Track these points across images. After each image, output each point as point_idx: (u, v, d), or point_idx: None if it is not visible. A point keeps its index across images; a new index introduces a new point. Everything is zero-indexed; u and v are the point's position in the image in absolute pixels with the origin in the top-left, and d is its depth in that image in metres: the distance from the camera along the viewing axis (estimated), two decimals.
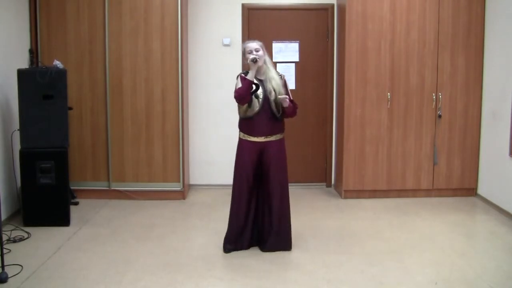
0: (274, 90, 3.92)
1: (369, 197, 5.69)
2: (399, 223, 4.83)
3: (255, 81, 3.90)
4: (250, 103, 3.90)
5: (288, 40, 6.08)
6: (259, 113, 3.93)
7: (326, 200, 5.70)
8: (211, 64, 6.01)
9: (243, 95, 3.84)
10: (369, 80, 5.53)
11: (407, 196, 5.72)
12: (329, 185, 6.25)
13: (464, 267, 3.76)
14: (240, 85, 3.88)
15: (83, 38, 5.44)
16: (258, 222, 4.13)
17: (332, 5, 6.02)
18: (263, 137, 3.97)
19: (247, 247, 4.10)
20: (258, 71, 3.93)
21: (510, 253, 4.06)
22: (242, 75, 3.95)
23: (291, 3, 6.03)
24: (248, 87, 3.84)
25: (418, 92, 5.57)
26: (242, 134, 4.05)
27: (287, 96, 3.90)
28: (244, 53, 3.98)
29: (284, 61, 6.09)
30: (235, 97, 3.87)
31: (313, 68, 6.13)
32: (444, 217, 5.01)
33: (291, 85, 6.08)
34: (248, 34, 5.94)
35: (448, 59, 5.55)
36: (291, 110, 4.00)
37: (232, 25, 6.00)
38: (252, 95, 3.88)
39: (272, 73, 3.98)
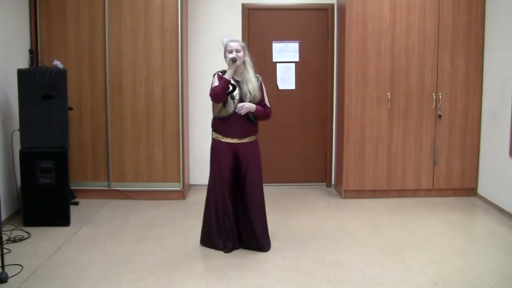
0: (250, 93, 3.92)
1: (369, 197, 5.68)
2: (399, 223, 4.83)
3: (232, 82, 3.90)
4: (225, 104, 3.90)
5: (288, 40, 6.08)
6: (234, 114, 3.91)
7: (326, 200, 5.70)
8: (211, 64, 5.99)
9: (219, 94, 3.83)
10: (369, 80, 5.53)
11: (407, 196, 5.72)
12: (329, 185, 6.25)
13: (464, 267, 3.76)
14: (216, 83, 3.88)
15: (83, 38, 5.44)
16: (237, 223, 4.09)
17: (332, 5, 6.01)
18: (237, 139, 3.96)
19: (230, 249, 4.05)
20: (236, 71, 3.92)
21: (510, 253, 4.06)
22: (219, 73, 3.94)
23: (291, 3, 6.03)
24: (225, 86, 3.84)
25: (418, 92, 5.57)
26: (215, 134, 4.03)
27: (243, 107, 3.85)
28: (225, 52, 3.96)
29: (284, 61, 6.09)
30: (211, 95, 3.85)
31: (313, 68, 6.13)
32: (444, 217, 5.01)
33: (291, 85, 6.09)
34: (248, 34, 5.95)
35: (448, 59, 5.55)
36: (262, 114, 3.99)
37: (232, 25, 5.99)
38: (228, 95, 3.88)
39: (249, 75, 3.97)
